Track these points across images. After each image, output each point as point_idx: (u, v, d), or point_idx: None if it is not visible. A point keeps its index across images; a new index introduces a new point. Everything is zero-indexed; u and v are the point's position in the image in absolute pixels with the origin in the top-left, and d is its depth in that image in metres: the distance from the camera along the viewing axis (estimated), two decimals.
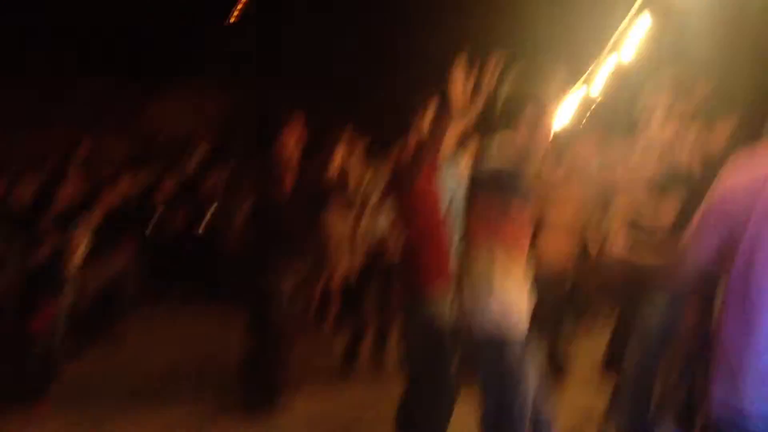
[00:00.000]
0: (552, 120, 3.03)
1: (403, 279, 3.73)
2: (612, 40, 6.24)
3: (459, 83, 3.32)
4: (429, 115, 3.73)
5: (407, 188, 3.63)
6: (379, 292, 5.66)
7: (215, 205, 8.47)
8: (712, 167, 2.99)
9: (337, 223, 6.24)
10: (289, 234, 4.75)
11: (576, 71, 6.89)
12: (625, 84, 5.95)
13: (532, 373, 2.88)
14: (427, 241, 3.65)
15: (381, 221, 5.67)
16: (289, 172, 4.82)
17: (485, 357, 2.89)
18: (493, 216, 2.92)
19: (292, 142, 4.83)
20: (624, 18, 5.79)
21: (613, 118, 5.45)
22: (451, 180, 4.34)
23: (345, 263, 6.39)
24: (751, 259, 1.74)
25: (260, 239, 4.76)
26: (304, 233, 5.03)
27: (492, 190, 2.94)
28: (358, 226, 5.83)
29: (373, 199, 5.76)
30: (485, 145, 3.08)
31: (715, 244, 1.86)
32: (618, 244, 3.97)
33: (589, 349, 5.46)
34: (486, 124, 3.38)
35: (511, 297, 2.86)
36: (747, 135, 3.68)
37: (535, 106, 2.92)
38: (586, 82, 6.88)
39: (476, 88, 3.33)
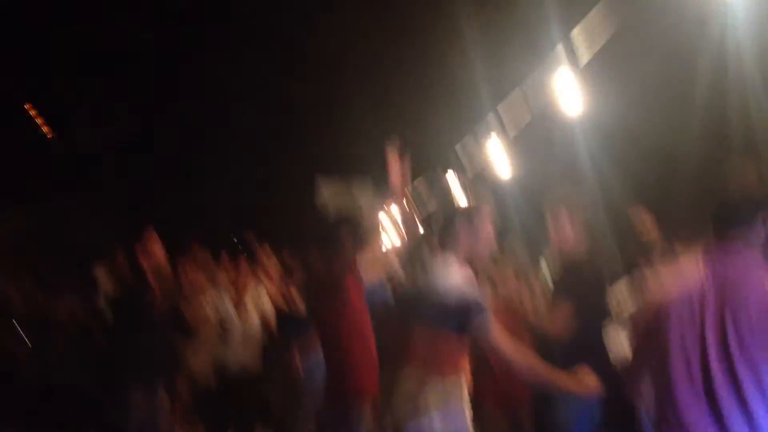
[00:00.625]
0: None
1: (331, 394, 3.81)
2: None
3: (395, 166, 3.51)
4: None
5: (337, 299, 3.76)
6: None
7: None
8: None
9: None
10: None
11: None
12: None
13: None
14: (359, 356, 3.75)
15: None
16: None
17: None
18: (428, 342, 2.98)
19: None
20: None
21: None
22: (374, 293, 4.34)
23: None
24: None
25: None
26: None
27: (432, 321, 2.98)
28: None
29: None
30: (416, 263, 3.36)
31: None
32: None
33: None
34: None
35: (444, 417, 2.90)
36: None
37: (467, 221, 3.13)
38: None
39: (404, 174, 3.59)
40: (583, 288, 3.64)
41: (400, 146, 3.51)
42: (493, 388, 4.05)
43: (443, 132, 7.48)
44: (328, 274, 3.84)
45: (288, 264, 5.83)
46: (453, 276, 2.94)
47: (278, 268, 5.91)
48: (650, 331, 2.42)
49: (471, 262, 3.12)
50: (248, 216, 10.30)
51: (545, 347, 3.76)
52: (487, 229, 3.12)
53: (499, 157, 7.06)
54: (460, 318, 2.85)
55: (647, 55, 5.15)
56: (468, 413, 2.99)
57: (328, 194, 4.67)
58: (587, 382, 2.82)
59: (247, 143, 9.69)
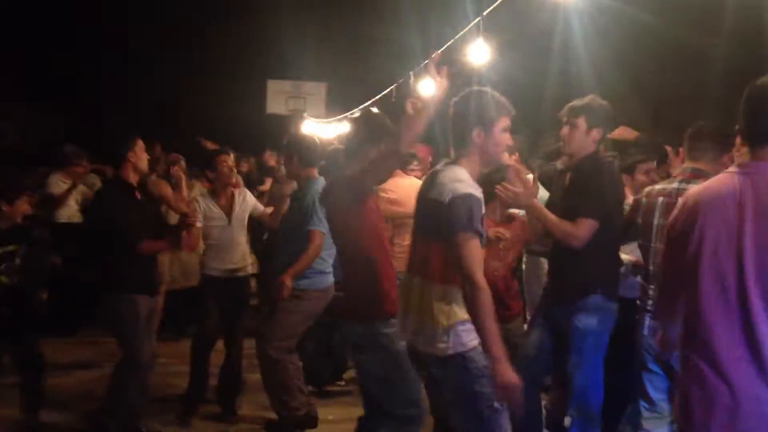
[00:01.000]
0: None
1: (360, 303, 3.63)
2: None
3: (436, 77, 3.33)
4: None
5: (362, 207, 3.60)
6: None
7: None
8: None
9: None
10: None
11: None
12: None
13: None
14: (383, 263, 3.64)
15: None
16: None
17: (446, 377, 3.06)
18: (426, 251, 3.14)
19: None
20: None
21: None
22: None
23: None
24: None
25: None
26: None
27: (426, 229, 3.16)
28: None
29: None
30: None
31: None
32: None
33: None
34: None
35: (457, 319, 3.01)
36: None
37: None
38: None
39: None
40: (599, 189, 3.69)
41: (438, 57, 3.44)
42: None
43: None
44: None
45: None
46: (456, 185, 2.91)
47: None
48: (681, 240, 2.31)
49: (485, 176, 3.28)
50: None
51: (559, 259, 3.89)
52: (502, 138, 3.08)
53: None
54: (446, 228, 2.86)
55: None
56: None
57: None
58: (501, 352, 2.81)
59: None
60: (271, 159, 10.14)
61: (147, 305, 4.75)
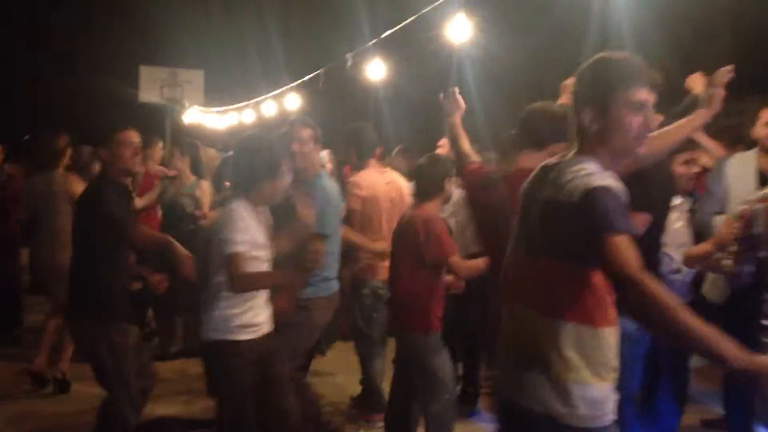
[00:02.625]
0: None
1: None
2: None
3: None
4: None
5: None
6: None
7: None
8: None
9: None
10: None
11: None
12: None
13: None
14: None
15: None
16: None
17: None
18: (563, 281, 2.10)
19: None
20: None
21: None
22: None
23: None
24: None
25: None
26: None
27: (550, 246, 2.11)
28: None
29: None
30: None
31: None
32: None
33: None
34: None
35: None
36: None
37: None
38: None
39: None
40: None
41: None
42: None
43: None
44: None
45: None
46: (587, 178, 2.02)
47: None
48: None
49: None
50: None
51: None
52: (629, 119, 2.12)
53: None
54: (582, 233, 1.98)
55: None
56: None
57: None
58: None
59: None
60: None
61: None
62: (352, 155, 4.90)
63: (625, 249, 1.91)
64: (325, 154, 5.77)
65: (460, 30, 4.98)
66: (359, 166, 4.83)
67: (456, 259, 3.80)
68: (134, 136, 3.85)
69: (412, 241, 3.83)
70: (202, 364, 3.56)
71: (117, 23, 16.42)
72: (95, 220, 3.67)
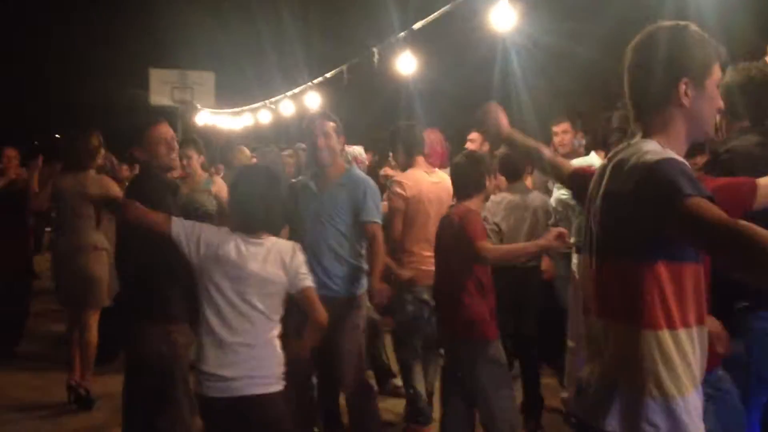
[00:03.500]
0: None
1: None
2: None
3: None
4: None
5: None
6: None
7: None
8: None
9: None
10: None
11: None
12: None
13: None
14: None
15: None
16: None
17: None
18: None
19: None
20: None
21: None
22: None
23: None
24: None
25: None
26: None
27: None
28: None
29: None
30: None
31: None
32: None
33: None
34: None
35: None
36: None
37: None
38: None
39: None
40: None
41: None
42: None
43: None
44: None
45: None
46: (648, 156, 1.76)
47: None
48: None
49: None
50: None
51: None
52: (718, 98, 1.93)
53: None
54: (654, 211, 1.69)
55: None
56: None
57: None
58: None
59: None
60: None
61: None
62: (399, 154, 4.64)
63: (708, 208, 1.62)
64: (359, 150, 5.46)
65: (503, 17, 4.67)
66: (407, 165, 4.55)
67: (484, 244, 3.54)
68: (167, 131, 3.56)
69: (453, 239, 3.62)
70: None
71: (125, 26, 16.21)
72: None
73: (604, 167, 1.94)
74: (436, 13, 5.35)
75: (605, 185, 1.86)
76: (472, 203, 3.70)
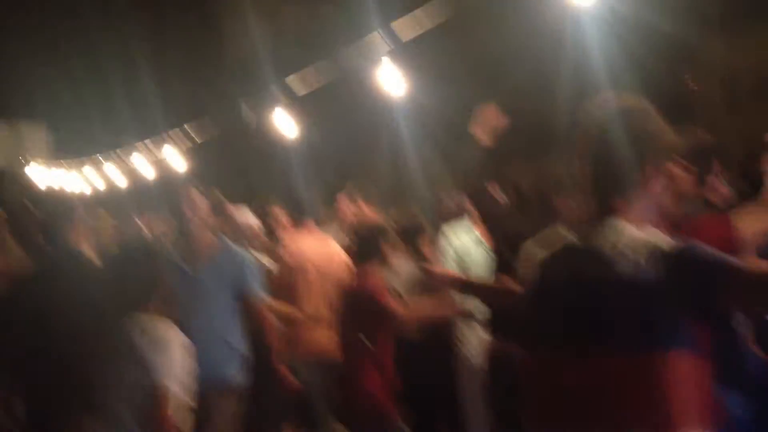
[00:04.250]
0: None
1: None
2: None
3: None
4: None
5: None
6: None
7: None
8: None
9: None
10: None
11: None
12: None
13: None
14: None
15: None
16: None
17: None
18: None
19: None
20: None
21: None
22: None
23: None
24: None
25: None
26: None
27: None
28: None
29: None
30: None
31: None
32: None
33: None
34: None
35: None
36: None
37: None
38: None
39: None
40: None
41: None
42: None
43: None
44: None
45: None
46: (654, 239, 1.68)
47: None
48: None
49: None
50: None
51: None
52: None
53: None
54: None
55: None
56: None
57: None
58: None
59: None
60: None
61: None
62: (286, 217, 4.55)
63: (756, 265, 1.63)
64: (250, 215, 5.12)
65: (388, 80, 4.76)
66: (293, 229, 4.45)
67: (392, 302, 3.44)
68: None
69: (353, 310, 3.51)
70: None
71: None
72: None
73: (564, 250, 1.84)
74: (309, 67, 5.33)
75: (591, 271, 1.73)
76: (370, 269, 3.59)
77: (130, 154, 9.61)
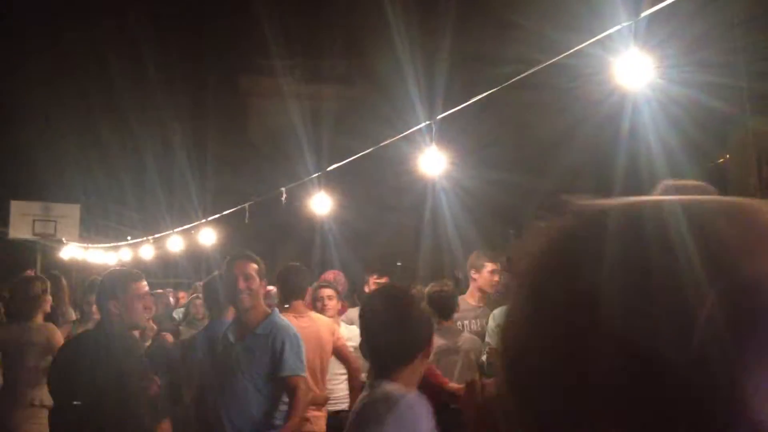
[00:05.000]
0: None
1: None
2: None
3: None
4: None
5: None
6: None
7: None
8: None
9: None
10: None
11: None
12: None
13: None
14: None
15: None
16: None
17: None
18: None
19: None
20: None
21: None
22: None
23: None
24: None
25: None
26: None
27: None
28: None
29: None
30: None
31: None
32: None
33: None
34: None
35: None
36: None
37: None
38: None
39: None
40: None
41: None
42: None
43: None
44: None
45: None
46: None
47: None
48: None
49: None
50: None
51: None
52: None
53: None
54: None
55: None
56: None
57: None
58: None
59: None
60: None
61: None
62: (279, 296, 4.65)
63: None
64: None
65: (431, 164, 4.80)
66: (281, 309, 4.37)
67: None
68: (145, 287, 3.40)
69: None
70: None
71: None
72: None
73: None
74: (351, 158, 5.42)
75: None
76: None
77: (165, 239, 9.75)
